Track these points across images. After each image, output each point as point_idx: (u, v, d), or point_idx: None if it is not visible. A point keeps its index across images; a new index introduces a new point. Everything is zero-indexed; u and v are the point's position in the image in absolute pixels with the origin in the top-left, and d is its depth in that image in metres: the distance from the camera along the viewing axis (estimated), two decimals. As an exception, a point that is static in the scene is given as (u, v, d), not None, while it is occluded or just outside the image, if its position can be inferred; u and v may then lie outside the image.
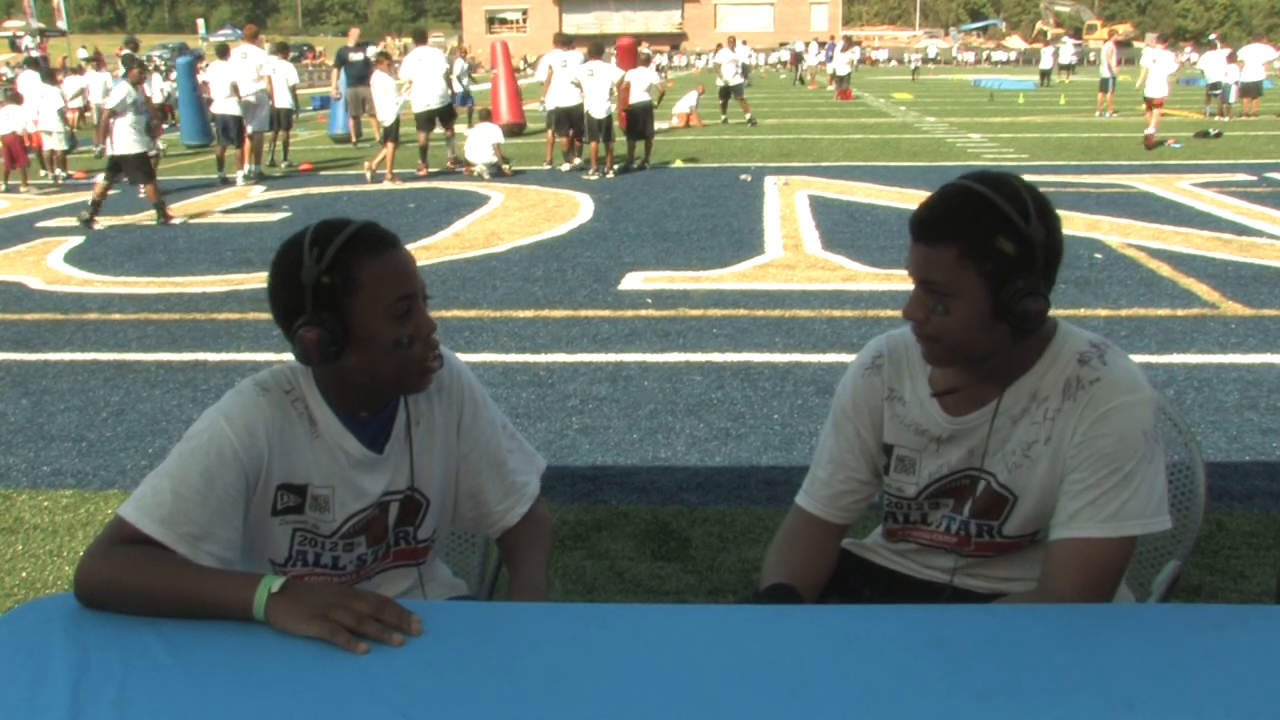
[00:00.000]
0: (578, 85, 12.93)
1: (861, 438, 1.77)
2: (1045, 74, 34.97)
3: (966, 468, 1.69)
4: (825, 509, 1.80)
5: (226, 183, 12.96)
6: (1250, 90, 20.33)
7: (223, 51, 13.68)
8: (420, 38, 13.86)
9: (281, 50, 15.10)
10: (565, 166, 13.70)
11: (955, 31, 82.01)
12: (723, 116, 20.91)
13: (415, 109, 13.07)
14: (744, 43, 24.28)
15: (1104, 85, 21.67)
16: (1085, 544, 1.55)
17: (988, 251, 1.51)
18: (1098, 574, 1.55)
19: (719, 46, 22.69)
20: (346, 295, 1.51)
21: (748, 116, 20.42)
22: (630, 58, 15.04)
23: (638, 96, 13.35)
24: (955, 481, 1.71)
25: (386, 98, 12.97)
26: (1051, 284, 1.57)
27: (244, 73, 13.03)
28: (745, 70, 21.91)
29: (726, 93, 20.73)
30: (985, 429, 1.65)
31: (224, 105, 12.92)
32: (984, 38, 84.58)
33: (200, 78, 13.34)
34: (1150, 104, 16.03)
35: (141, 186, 10.52)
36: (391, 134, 12.86)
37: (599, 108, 12.77)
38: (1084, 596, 1.53)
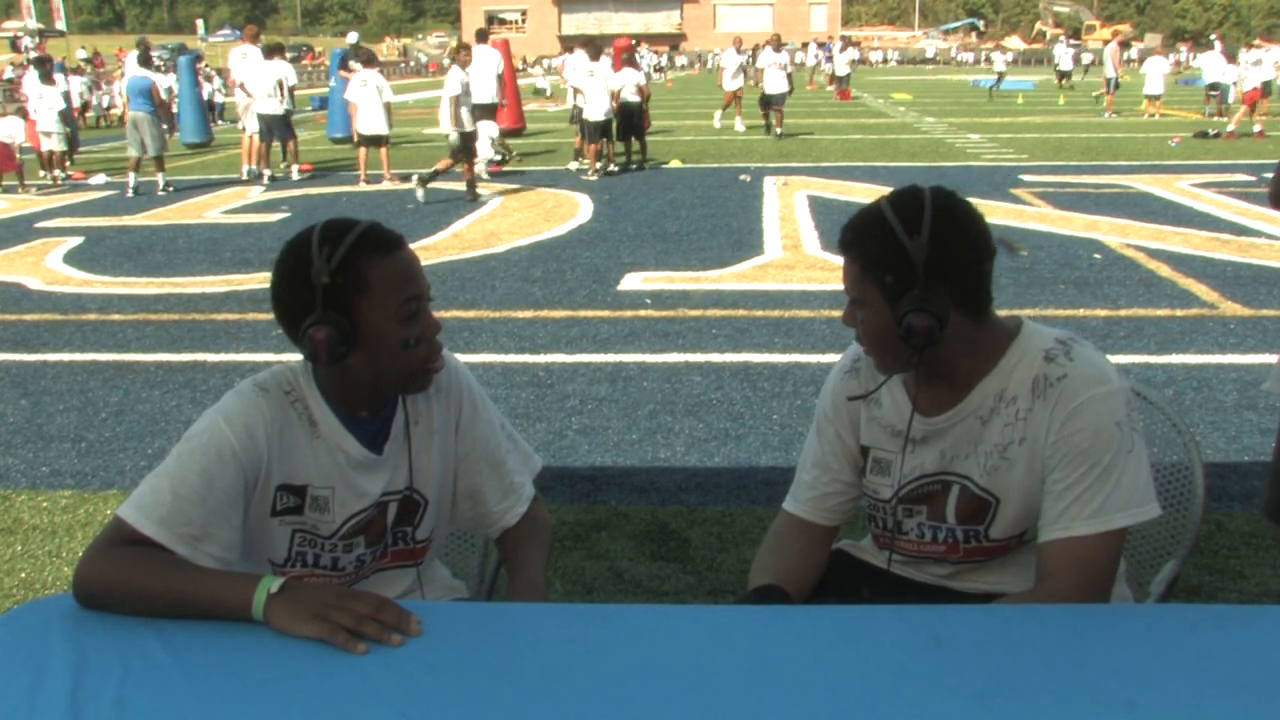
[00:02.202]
0: (579, 91, 13.03)
1: (842, 440, 1.79)
2: (1066, 75, 31.36)
3: (939, 471, 1.69)
4: (811, 512, 1.81)
5: (274, 179, 13.20)
6: (1264, 90, 20.30)
7: (268, 52, 13.75)
8: (482, 37, 14.15)
9: (277, 51, 15.14)
10: (574, 165, 13.83)
11: (933, 32, 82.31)
12: (776, 129, 17.35)
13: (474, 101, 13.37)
14: (751, 44, 21.23)
15: (1106, 85, 21.67)
16: (1075, 542, 1.55)
17: (879, 266, 1.57)
18: (1092, 570, 1.55)
19: (757, 47, 18.43)
20: (356, 295, 1.51)
21: (778, 130, 17.32)
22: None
23: (627, 97, 13.40)
24: (928, 486, 1.71)
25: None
26: (965, 294, 1.57)
27: (247, 72, 13.12)
28: (790, 76, 17.82)
29: (768, 103, 17.29)
30: (956, 430, 1.66)
31: (266, 104, 12.92)
32: (983, 38, 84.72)
33: (236, 77, 13.43)
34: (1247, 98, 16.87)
35: (462, 163, 11.28)
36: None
37: (598, 109, 12.83)
38: (1081, 594, 1.53)
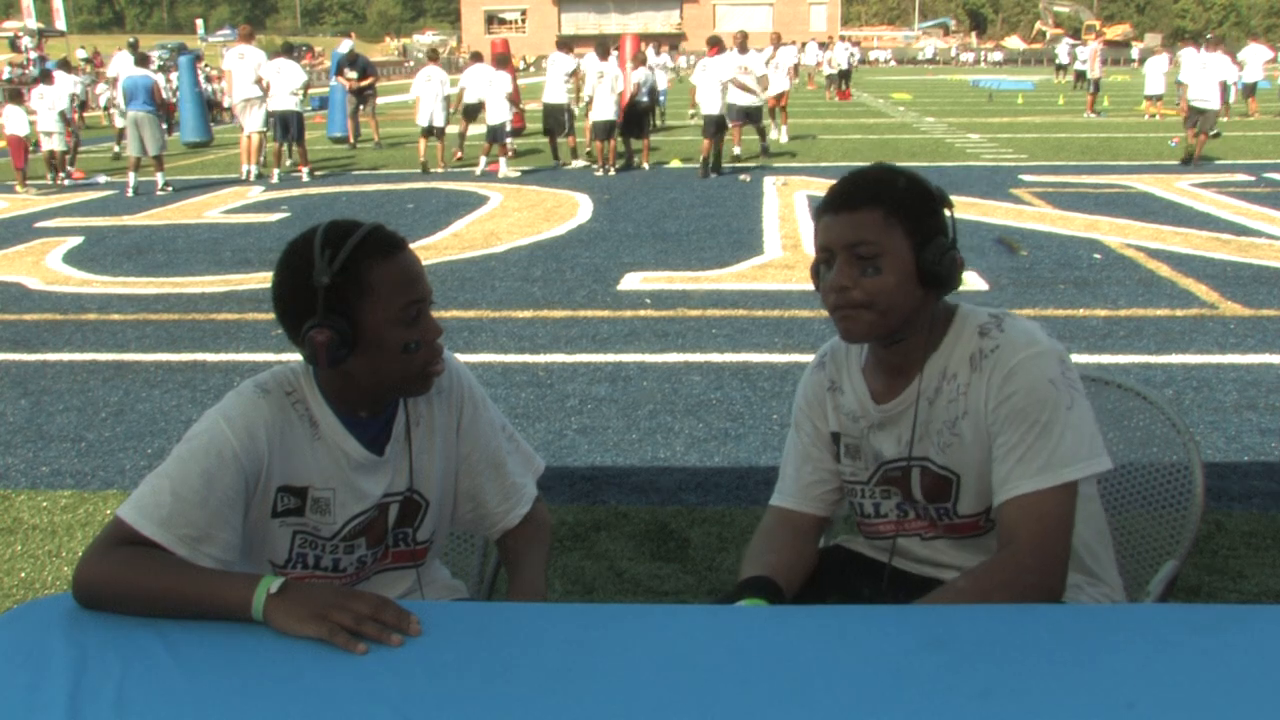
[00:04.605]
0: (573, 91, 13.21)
1: (819, 430, 1.83)
2: (1081, 76, 28.21)
3: (897, 457, 1.73)
4: (798, 501, 1.83)
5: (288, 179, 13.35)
6: (1248, 91, 20.38)
7: (288, 50, 14.12)
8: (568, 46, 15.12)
9: (305, 53, 15.32)
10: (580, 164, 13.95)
11: (909, 33, 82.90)
12: (736, 149, 14.47)
13: (545, 99, 14.21)
14: (792, 41, 17.77)
15: (1088, 85, 21.71)
16: (1024, 500, 1.57)
17: (908, 212, 1.61)
18: (1044, 526, 1.56)
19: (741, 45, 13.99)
20: (357, 298, 1.51)
21: (762, 144, 14.30)
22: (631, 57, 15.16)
23: (637, 96, 13.47)
24: (891, 471, 1.76)
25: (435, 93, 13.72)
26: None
27: (243, 72, 13.15)
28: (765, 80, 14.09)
29: (746, 116, 13.66)
30: (907, 414, 1.70)
31: (288, 102, 13.13)
32: (951, 36, 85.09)
33: (259, 74, 13.58)
34: None
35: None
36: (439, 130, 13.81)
37: (607, 108, 12.95)
38: (1036, 552, 1.55)
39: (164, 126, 12.54)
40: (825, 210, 1.66)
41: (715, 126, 12.73)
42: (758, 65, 13.81)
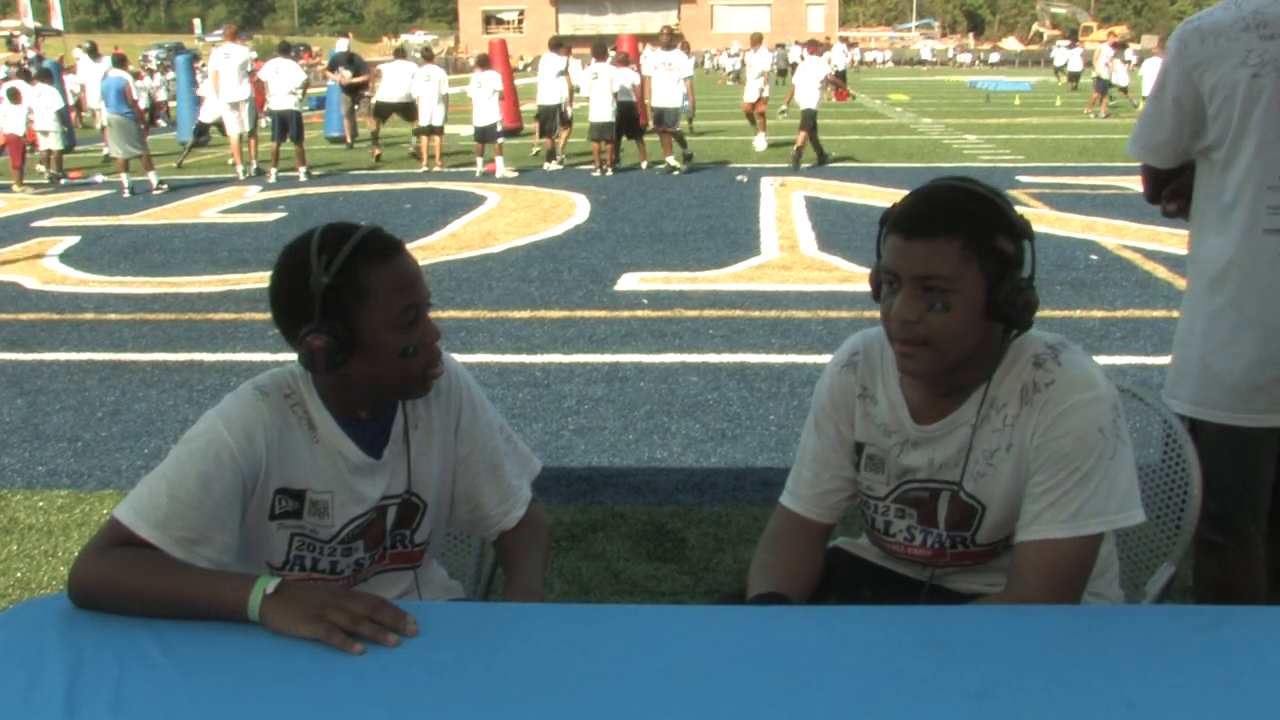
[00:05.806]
0: (574, 89, 13.23)
1: (842, 434, 1.76)
2: (1075, 77, 30.86)
3: (927, 479, 1.68)
4: (812, 508, 1.79)
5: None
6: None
7: (285, 49, 14.30)
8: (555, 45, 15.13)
9: (304, 53, 15.38)
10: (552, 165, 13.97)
11: (893, 34, 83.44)
12: (667, 159, 13.38)
13: (540, 101, 14.37)
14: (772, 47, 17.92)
15: (1100, 86, 21.79)
16: (1048, 545, 1.54)
17: (988, 246, 1.52)
18: (1062, 574, 1.54)
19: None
20: (354, 303, 1.50)
21: (670, 162, 13.31)
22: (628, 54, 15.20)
23: (623, 98, 13.47)
24: (915, 491, 1.70)
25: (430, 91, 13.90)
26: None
27: (229, 73, 13.17)
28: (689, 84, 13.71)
29: (659, 119, 13.30)
30: (949, 439, 1.65)
31: (286, 101, 13.18)
32: (979, 39, 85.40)
33: (258, 76, 13.64)
34: None
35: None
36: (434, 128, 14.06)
37: (604, 110, 12.98)
38: (1049, 597, 1.52)
39: (141, 127, 12.45)
40: (896, 231, 1.55)
41: (812, 120, 13.54)
42: (683, 65, 13.35)
